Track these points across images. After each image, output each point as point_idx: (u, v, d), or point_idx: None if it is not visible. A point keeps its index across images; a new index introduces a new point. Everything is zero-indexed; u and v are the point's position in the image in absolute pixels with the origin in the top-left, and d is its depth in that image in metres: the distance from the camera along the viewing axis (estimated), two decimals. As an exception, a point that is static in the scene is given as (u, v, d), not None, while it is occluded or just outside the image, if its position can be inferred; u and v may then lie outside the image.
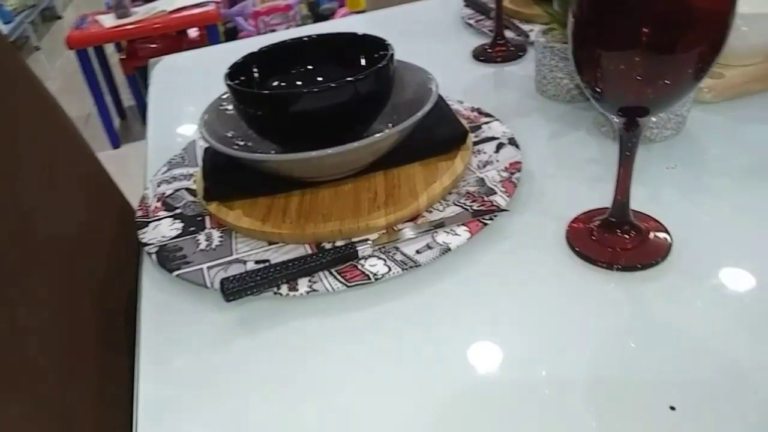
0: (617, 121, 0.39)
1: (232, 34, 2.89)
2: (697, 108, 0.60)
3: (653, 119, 0.54)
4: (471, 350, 0.38)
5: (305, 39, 0.58)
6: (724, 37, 0.34)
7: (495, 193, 0.50)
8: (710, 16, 0.33)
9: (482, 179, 0.52)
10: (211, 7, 2.37)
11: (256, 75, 0.56)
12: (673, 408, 0.32)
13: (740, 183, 0.49)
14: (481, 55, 0.80)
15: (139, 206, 0.55)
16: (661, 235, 0.44)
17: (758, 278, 0.40)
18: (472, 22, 0.90)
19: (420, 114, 0.49)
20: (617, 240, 0.43)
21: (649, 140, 0.55)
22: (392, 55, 0.53)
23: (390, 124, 0.53)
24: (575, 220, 0.46)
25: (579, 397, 0.34)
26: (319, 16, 3.17)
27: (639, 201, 0.48)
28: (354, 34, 0.57)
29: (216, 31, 2.60)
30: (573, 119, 0.62)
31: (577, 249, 0.44)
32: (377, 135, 0.48)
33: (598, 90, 0.37)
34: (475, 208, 0.48)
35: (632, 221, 0.44)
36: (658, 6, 0.33)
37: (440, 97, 0.62)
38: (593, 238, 0.44)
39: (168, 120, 0.76)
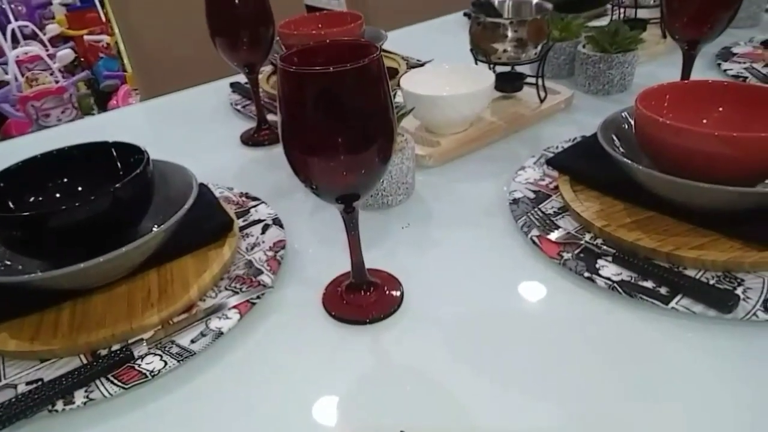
0: (338, 207, 0.48)
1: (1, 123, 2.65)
2: (423, 172, 0.74)
3: (383, 189, 0.65)
4: (246, 427, 0.43)
5: (55, 153, 0.60)
6: (393, 130, 0.44)
7: (262, 273, 0.56)
8: (379, 116, 0.44)
9: (250, 261, 0.58)
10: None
11: (6, 197, 0.57)
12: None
13: (454, 233, 0.62)
14: (249, 140, 0.87)
15: None
16: (395, 286, 0.54)
17: (469, 310, 0.51)
18: (239, 107, 0.98)
19: (181, 213, 0.54)
20: (361, 298, 0.52)
21: (387, 206, 0.67)
22: (148, 159, 0.57)
23: (156, 225, 0.57)
24: (327, 287, 0.54)
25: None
26: (99, 93, 3.04)
27: (379, 257, 0.58)
28: (106, 143, 0.61)
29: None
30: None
31: (332, 313, 0.51)
32: (142, 238, 0.52)
33: (314, 187, 0.46)
34: (243, 290, 0.54)
35: (369, 280, 0.53)
36: (346, 117, 0.43)
37: (207, 189, 0.68)
38: (343, 300, 0.53)
39: None
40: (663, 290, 0.48)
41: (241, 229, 0.64)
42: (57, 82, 2.43)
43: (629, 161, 0.54)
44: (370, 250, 0.60)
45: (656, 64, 1.02)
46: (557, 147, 0.73)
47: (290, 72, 0.41)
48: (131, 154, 0.59)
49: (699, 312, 0.46)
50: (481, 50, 0.82)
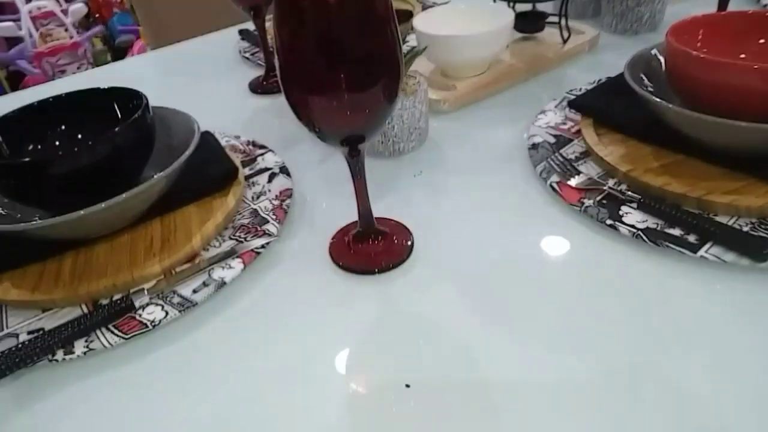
0: (342, 150, 0.45)
1: (18, 80, 2.64)
2: (437, 118, 0.70)
3: (395, 133, 0.62)
4: (248, 380, 0.41)
5: (51, 100, 0.58)
6: (399, 69, 0.41)
7: (267, 222, 0.54)
8: (384, 56, 0.40)
9: (256, 210, 0.56)
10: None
11: (3, 145, 0.55)
12: (408, 386, 0.39)
13: (470, 180, 0.59)
14: (258, 88, 0.84)
15: None
16: (405, 235, 0.51)
17: (483, 259, 0.49)
18: (248, 55, 0.94)
19: (182, 159, 0.52)
20: (369, 248, 0.50)
21: (399, 152, 0.64)
22: (146, 105, 0.55)
23: (158, 173, 0.55)
24: (334, 236, 0.52)
25: (337, 387, 0.39)
26: (116, 49, 3.01)
27: (390, 207, 0.55)
28: (104, 89, 0.58)
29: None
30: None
31: (339, 263, 0.49)
32: (143, 185, 0.50)
33: (318, 130, 0.43)
34: (248, 239, 0.52)
35: (378, 229, 0.51)
36: (348, 54, 0.39)
37: (212, 136, 0.65)
38: (350, 250, 0.50)
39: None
40: (692, 238, 0.45)
41: (248, 177, 0.61)
42: (71, 37, 2.40)
43: (659, 100, 0.50)
44: (381, 199, 0.57)
45: (690, 2, 0.95)
46: (580, 89, 0.69)
47: (287, 3, 0.38)
48: (131, 99, 0.57)
49: (730, 261, 0.43)
50: (500, -13, 0.77)
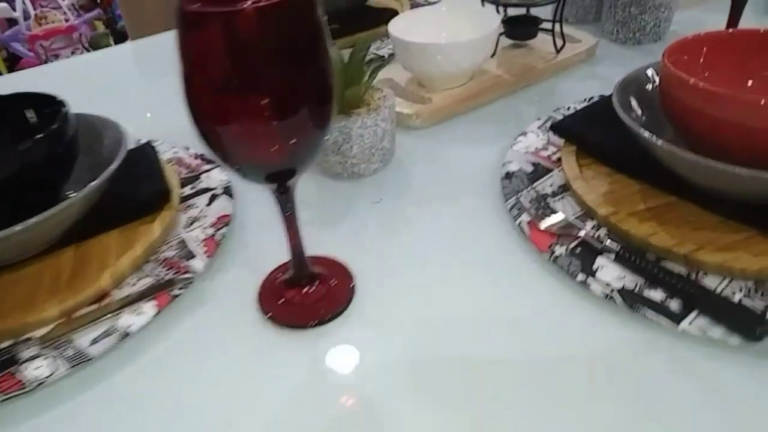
0: (269, 187, 0.38)
1: (15, 62, 2.60)
2: (408, 134, 0.63)
3: (354, 156, 0.55)
4: (137, 449, 0.35)
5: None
6: (328, 88, 0.34)
7: (194, 256, 0.47)
8: (312, 77, 0.33)
9: (184, 241, 0.49)
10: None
11: None
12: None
13: (433, 212, 0.52)
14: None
15: None
16: (346, 279, 0.44)
17: (434, 312, 0.42)
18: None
19: (100, 179, 0.46)
20: (302, 296, 0.43)
21: (359, 175, 0.57)
22: (65, 114, 0.48)
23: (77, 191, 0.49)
24: (267, 278, 0.45)
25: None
26: (118, 32, 2.95)
27: (340, 239, 0.49)
28: (20, 95, 0.52)
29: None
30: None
31: (267, 314, 0.43)
32: (50, 210, 0.43)
33: (236, 165, 0.36)
34: (168, 277, 0.46)
35: (312, 272, 0.44)
36: (267, 74, 0.33)
37: (151, 149, 0.59)
38: (281, 297, 0.44)
39: None
40: (674, 304, 0.38)
41: (186, 198, 0.55)
42: (66, 20, 2.34)
43: (647, 134, 0.43)
44: (332, 228, 0.50)
45: (700, 9, 0.87)
46: (568, 108, 0.61)
47: (188, 13, 0.31)
48: (50, 105, 0.51)
49: (718, 338, 0.36)
50: (486, -12, 0.69)
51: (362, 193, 0.55)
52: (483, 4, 0.72)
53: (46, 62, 2.25)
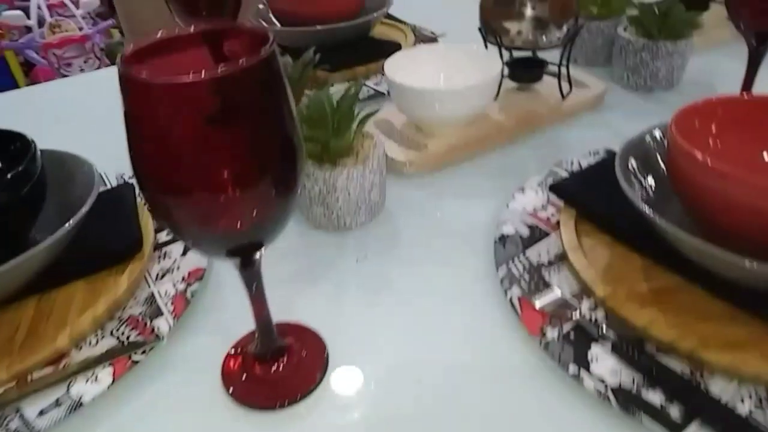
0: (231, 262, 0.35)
1: (29, 68, 2.61)
2: (400, 183, 0.60)
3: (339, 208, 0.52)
4: None
5: None
6: (294, 152, 0.31)
7: (161, 315, 0.44)
8: (274, 142, 0.30)
9: (152, 296, 0.46)
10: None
11: None
12: None
13: (421, 274, 0.49)
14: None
15: None
16: (318, 350, 0.41)
17: (416, 399, 0.39)
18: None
19: (64, 230, 0.43)
20: (269, 374, 0.40)
21: (345, 227, 0.54)
22: (34, 155, 0.46)
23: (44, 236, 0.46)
24: (234, 347, 0.42)
25: None
26: (133, 42, 2.96)
27: (317, 300, 0.46)
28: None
29: (4, 65, 2.33)
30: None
31: (229, 391, 0.39)
32: (8, 263, 0.41)
33: (191, 241, 0.33)
34: (131, 339, 0.43)
35: (280, 345, 0.41)
36: (224, 152, 0.30)
37: (130, 190, 0.56)
38: (246, 373, 0.40)
39: None
40: (674, 411, 0.34)
41: (161, 246, 0.52)
42: (80, 29, 2.34)
43: (649, 211, 0.39)
44: (310, 287, 0.47)
45: (717, 54, 0.83)
46: (571, 163, 0.58)
47: (134, 81, 0.28)
48: (14, 142, 0.48)
49: (722, 456, 0.32)
50: (491, 30, 0.66)
51: (346, 246, 0.52)
52: (486, 46, 0.69)
53: (58, 70, 2.25)
